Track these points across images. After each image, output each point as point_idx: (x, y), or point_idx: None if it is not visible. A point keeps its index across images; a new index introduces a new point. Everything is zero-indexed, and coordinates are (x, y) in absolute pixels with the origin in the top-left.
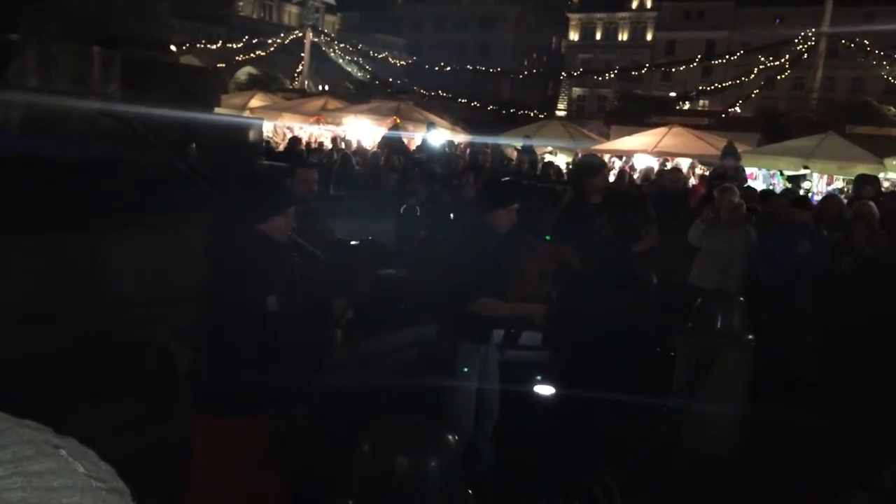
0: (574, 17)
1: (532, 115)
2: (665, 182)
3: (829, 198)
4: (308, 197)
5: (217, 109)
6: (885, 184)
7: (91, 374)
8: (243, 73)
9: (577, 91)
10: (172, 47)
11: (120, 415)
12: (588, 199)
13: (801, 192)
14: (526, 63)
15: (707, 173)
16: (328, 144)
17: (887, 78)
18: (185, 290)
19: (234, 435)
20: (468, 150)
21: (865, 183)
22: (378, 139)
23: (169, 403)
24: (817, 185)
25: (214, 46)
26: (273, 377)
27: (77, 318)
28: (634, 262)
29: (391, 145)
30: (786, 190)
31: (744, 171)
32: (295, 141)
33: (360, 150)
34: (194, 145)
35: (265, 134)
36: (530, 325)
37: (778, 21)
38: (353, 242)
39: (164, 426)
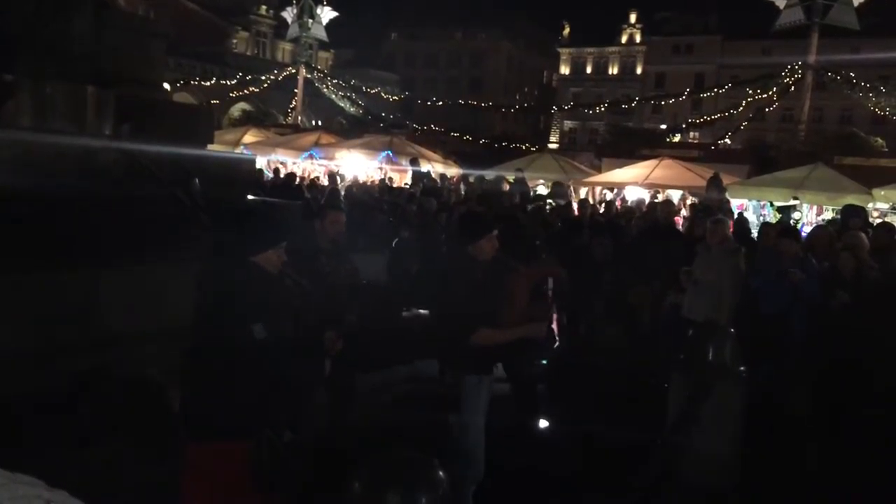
0: (565, 52)
1: (524, 148)
2: (657, 214)
3: (818, 229)
4: (338, 239)
5: (210, 146)
6: (874, 213)
7: (84, 413)
8: (237, 110)
9: (568, 124)
10: (166, 85)
11: (114, 455)
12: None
13: (792, 223)
14: (518, 97)
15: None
16: (323, 180)
17: (874, 109)
18: (181, 328)
19: (218, 460)
20: (461, 183)
21: (853, 214)
22: (371, 173)
23: (164, 443)
24: (807, 216)
25: (208, 83)
26: (257, 404)
27: (70, 357)
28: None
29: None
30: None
31: (728, 202)
32: (291, 176)
33: (355, 184)
34: (197, 180)
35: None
36: (537, 345)
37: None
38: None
39: (158, 466)
